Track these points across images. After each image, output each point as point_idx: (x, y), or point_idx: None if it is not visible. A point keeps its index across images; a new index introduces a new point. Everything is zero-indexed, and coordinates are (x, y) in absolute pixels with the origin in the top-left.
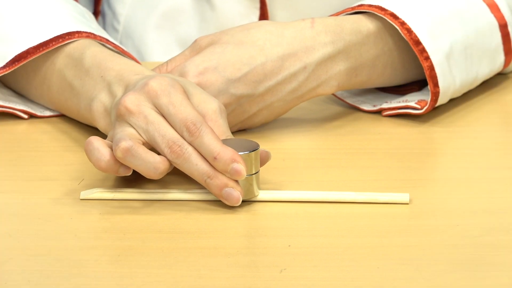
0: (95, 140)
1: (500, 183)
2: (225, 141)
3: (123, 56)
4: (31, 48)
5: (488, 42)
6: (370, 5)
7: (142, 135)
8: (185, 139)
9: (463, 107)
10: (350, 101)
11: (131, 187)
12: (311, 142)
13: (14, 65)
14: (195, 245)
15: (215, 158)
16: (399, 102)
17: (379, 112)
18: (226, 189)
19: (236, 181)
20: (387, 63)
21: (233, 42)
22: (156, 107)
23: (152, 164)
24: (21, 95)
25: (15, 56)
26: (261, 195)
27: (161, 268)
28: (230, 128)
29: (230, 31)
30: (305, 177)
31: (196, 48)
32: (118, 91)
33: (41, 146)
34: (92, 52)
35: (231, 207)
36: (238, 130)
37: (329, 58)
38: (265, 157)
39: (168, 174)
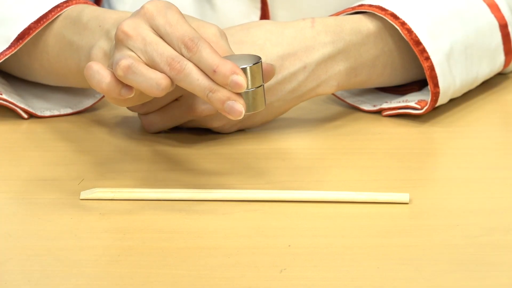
0: (95, 64)
1: (500, 183)
2: (226, 57)
3: None
4: (32, 23)
5: (488, 42)
6: (370, 5)
7: (141, 56)
8: (184, 56)
9: (463, 107)
10: (350, 101)
11: (131, 187)
12: (311, 142)
13: (18, 43)
14: (195, 245)
15: (214, 71)
16: (399, 102)
17: (379, 112)
18: (229, 102)
19: (239, 94)
20: (387, 63)
21: (233, 41)
22: (153, 29)
23: (154, 80)
24: (22, 93)
25: (19, 34)
26: (261, 195)
27: (161, 268)
28: (230, 128)
29: (230, 30)
30: (305, 177)
31: None
32: None
33: (41, 146)
34: (90, 9)
35: (230, 207)
36: (238, 129)
37: (329, 58)
38: (270, 71)
39: (169, 173)
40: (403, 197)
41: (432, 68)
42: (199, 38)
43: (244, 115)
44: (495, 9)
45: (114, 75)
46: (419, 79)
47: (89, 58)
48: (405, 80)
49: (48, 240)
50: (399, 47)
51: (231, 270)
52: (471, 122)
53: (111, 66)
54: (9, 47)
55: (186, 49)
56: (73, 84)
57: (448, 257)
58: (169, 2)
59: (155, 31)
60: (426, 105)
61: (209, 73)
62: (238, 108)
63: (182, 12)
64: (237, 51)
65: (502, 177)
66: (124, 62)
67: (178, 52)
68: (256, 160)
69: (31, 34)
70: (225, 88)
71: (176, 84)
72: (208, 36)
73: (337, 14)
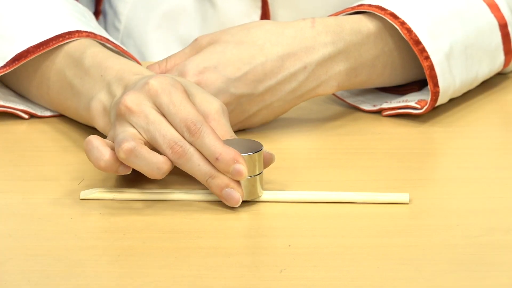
0: (95, 139)
1: (500, 183)
2: (228, 141)
3: (124, 56)
4: (31, 47)
5: (488, 42)
6: (370, 5)
7: (143, 134)
8: (186, 139)
9: (463, 107)
10: (350, 101)
11: (131, 187)
12: (311, 142)
13: (14, 64)
14: (195, 245)
15: (217, 159)
16: (399, 102)
17: (379, 112)
18: (227, 189)
19: (238, 182)
20: (387, 63)
21: (234, 41)
22: (156, 106)
23: (155, 165)
24: (21, 95)
25: (15, 55)
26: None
27: (161, 268)
28: None
29: (231, 31)
30: (305, 177)
31: (196, 46)
32: (117, 90)
33: (41, 146)
34: (92, 52)
35: (231, 207)
36: (238, 130)
37: (329, 58)
38: (269, 159)
39: (169, 174)
40: (403, 197)
41: (432, 67)
42: (202, 122)
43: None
44: (495, 9)
45: (113, 153)
46: (419, 79)
47: (88, 110)
48: (405, 80)
49: (48, 240)
50: (399, 47)
51: (231, 270)
52: (471, 122)
53: (112, 138)
54: (4, 66)
55: (188, 133)
56: (71, 117)
57: (448, 257)
58: (174, 79)
59: (158, 109)
60: (426, 104)
61: (211, 160)
62: (236, 196)
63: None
64: (237, 51)
65: (502, 177)
66: (127, 146)
67: (180, 134)
68: None
69: (28, 58)
70: (225, 175)
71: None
72: (210, 112)
73: (337, 14)
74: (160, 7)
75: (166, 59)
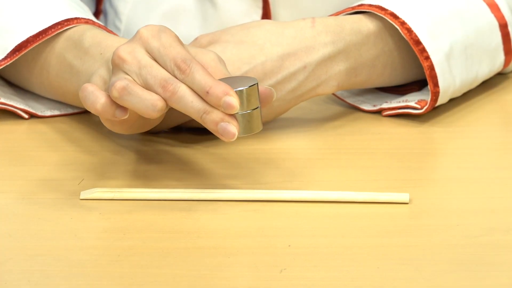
0: (90, 85)
1: (500, 183)
2: (223, 79)
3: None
4: (30, 37)
5: (488, 42)
6: (370, 5)
7: (136, 79)
8: (177, 78)
9: (463, 107)
10: (350, 100)
11: (131, 187)
12: (311, 142)
13: (15, 55)
14: (195, 245)
15: (207, 92)
16: (399, 102)
17: (379, 112)
18: (222, 123)
19: (233, 116)
20: (387, 63)
21: (234, 41)
22: (148, 52)
23: (149, 101)
24: (22, 94)
25: (16, 46)
26: (261, 195)
27: (161, 268)
28: None
29: (231, 30)
30: (305, 177)
31: (196, 46)
32: None
33: (41, 146)
34: (92, 33)
35: (231, 207)
36: None
37: (329, 58)
38: (269, 94)
39: (168, 174)
40: (403, 197)
41: (432, 67)
42: (191, 59)
43: (238, 137)
44: (495, 9)
45: (109, 96)
46: (419, 79)
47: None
48: (405, 80)
49: (48, 240)
50: (399, 47)
51: (231, 270)
52: (471, 122)
53: (108, 90)
54: (5, 58)
55: (179, 71)
56: (71, 103)
57: (448, 257)
58: (164, 26)
59: (150, 54)
60: (426, 104)
61: (202, 95)
62: (231, 129)
63: (187, 14)
64: (237, 50)
65: (502, 177)
66: (119, 84)
67: (171, 74)
68: (256, 160)
69: (28, 47)
70: (219, 110)
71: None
72: (207, 61)
73: (337, 14)
74: (161, 6)
75: None
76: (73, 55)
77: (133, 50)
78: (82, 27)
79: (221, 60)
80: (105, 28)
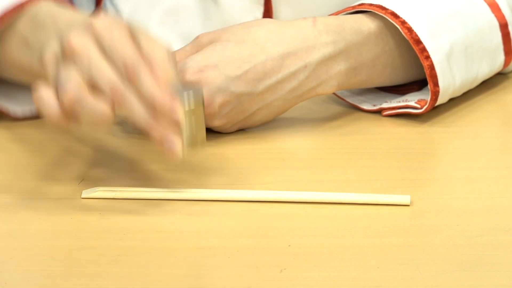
0: (45, 92)
1: (500, 183)
2: (169, 86)
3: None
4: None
5: (488, 42)
6: (370, 4)
7: (86, 75)
8: (125, 81)
9: (463, 107)
10: (351, 100)
11: (132, 186)
12: (311, 142)
13: None
14: (195, 245)
15: (153, 104)
16: (399, 102)
17: (379, 111)
18: (166, 134)
19: (178, 124)
20: (387, 62)
21: (234, 40)
22: (99, 46)
23: (99, 112)
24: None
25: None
26: (261, 195)
27: (161, 268)
28: (230, 128)
29: (231, 29)
30: (305, 177)
31: (197, 44)
32: None
33: (41, 146)
34: (47, 7)
35: (231, 207)
36: (238, 129)
37: (330, 58)
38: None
39: (168, 174)
40: (404, 199)
41: (432, 67)
42: (139, 63)
43: (183, 154)
44: (495, 9)
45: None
46: (419, 78)
47: (41, 60)
48: (405, 79)
49: (48, 240)
50: (400, 46)
51: (231, 270)
52: (471, 122)
53: (55, 79)
54: None
55: (126, 74)
56: (26, 80)
57: (448, 257)
58: (118, 19)
59: (101, 49)
60: (425, 104)
61: (148, 103)
62: (175, 140)
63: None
64: (238, 49)
65: (502, 177)
66: (70, 92)
67: (120, 73)
68: (256, 160)
69: (5, 20)
70: (164, 119)
71: None
72: (156, 59)
73: (337, 13)
74: (162, 3)
75: None
76: (28, 29)
77: (84, 42)
78: (40, 4)
79: (171, 58)
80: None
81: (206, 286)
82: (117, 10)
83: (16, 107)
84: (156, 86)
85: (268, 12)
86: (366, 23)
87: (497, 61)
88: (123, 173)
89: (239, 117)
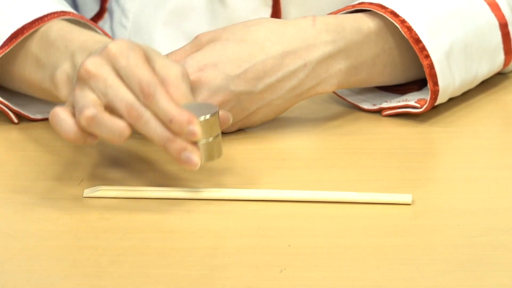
0: (61, 112)
1: (500, 183)
2: (185, 105)
3: (92, 29)
4: (26, 24)
5: (488, 41)
6: (370, 3)
7: (102, 98)
8: (142, 102)
9: (463, 107)
10: (351, 99)
11: (132, 186)
12: (311, 142)
13: (12, 42)
14: (195, 245)
15: (170, 120)
16: (399, 101)
17: (379, 111)
18: (185, 152)
19: (195, 144)
20: (387, 61)
21: (234, 39)
22: (115, 70)
23: (117, 130)
24: (11, 98)
25: (12, 34)
26: (261, 195)
27: (161, 268)
28: (230, 127)
29: (231, 28)
30: (305, 177)
31: (197, 44)
32: (81, 60)
33: (41, 146)
34: (58, 25)
35: (231, 207)
36: (238, 129)
37: (330, 57)
38: (226, 119)
39: (168, 174)
40: (406, 198)
41: (431, 66)
42: (155, 85)
43: (201, 165)
44: (495, 8)
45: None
46: (419, 78)
47: (53, 80)
48: (405, 79)
49: (48, 240)
50: (399, 45)
51: (231, 270)
52: (471, 122)
53: (71, 103)
54: (2, 46)
55: (143, 96)
56: (36, 95)
57: (448, 257)
58: (133, 43)
59: (116, 72)
60: (425, 103)
61: (166, 122)
62: (194, 159)
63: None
64: (238, 49)
65: (502, 177)
66: (87, 113)
67: (136, 96)
68: (256, 160)
69: (25, 34)
70: (181, 138)
71: None
72: (170, 77)
73: (337, 12)
74: (169, 4)
75: (167, 55)
76: (39, 48)
77: (100, 65)
78: (52, 21)
79: (185, 77)
80: (80, 17)
81: (206, 286)
82: (123, 10)
83: (35, 111)
84: (172, 103)
85: (276, 14)
86: (366, 22)
87: (497, 60)
88: (123, 173)
89: (238, 116)
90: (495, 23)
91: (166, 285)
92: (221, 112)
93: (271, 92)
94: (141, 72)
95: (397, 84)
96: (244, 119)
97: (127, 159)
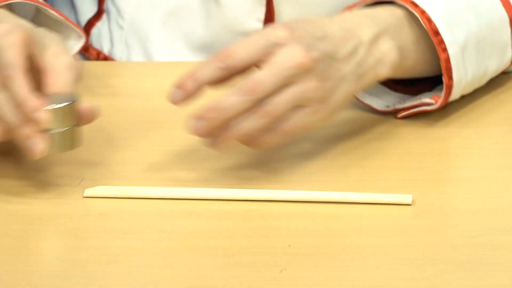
0: None
1: (500, 183)
2: (53, 94)
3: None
4: None
5: (498, 37)
6: None
7: None
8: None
9: (463, 107)
10: (365, 100)
11: (132, 186)
12: (311, 142)
13: None
14: (195, 245)
15: (19, 105)
16: (413, 101)
17: (380, 112)
18: (29, 140)
19: (44, 133)
20: (425, 48)
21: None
22: None
23: None
24: None
25: None
26: (261, 195)
27: (161, 268)
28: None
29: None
30: (306, 177)
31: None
32: None
33: None
34: None
35: (231, 207)
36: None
37: (378, 37)
38: (90, 115)
39: (168, 174)
40: (406, 198)
41: (448, 60)
42: (17, 67)
43: (52, 154)
44: (506, 4)
45: None
46: (431, 75)
47: None
48: (426, 72)
49: (48, 240)
50: (419, 37)
51: (231, 270)
52: (472, 122)
53: None
54: None
55: (1, 77)
56: None
57: (448, 257)
58: (17, 26)
59: None
60: (440, 99)
61: (16, 106)
62: (37, 148)
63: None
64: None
65: (502, 177)
66: None
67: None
68: (256, 160)
69: None
70: (29, 125)
71: None
72: (54, 67)
73: (352, 6)
74: (164, 4)
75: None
76: None
77: None
78: None
79: (72, 68)
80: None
81: (206, 286)
82: (119, 11)
83: None
84: (26, 88)
85: (270, 13)
86: (393, 11)
87: (505, 57)
88: (123, 173)
89: (329, 83)
90: (506, 19)
91: (166, 285)
92: (87, 105)
93: (347, 63)
94: (8, 53)
95: (425, 76)
96: (323, 104)
97: (127, 159)
